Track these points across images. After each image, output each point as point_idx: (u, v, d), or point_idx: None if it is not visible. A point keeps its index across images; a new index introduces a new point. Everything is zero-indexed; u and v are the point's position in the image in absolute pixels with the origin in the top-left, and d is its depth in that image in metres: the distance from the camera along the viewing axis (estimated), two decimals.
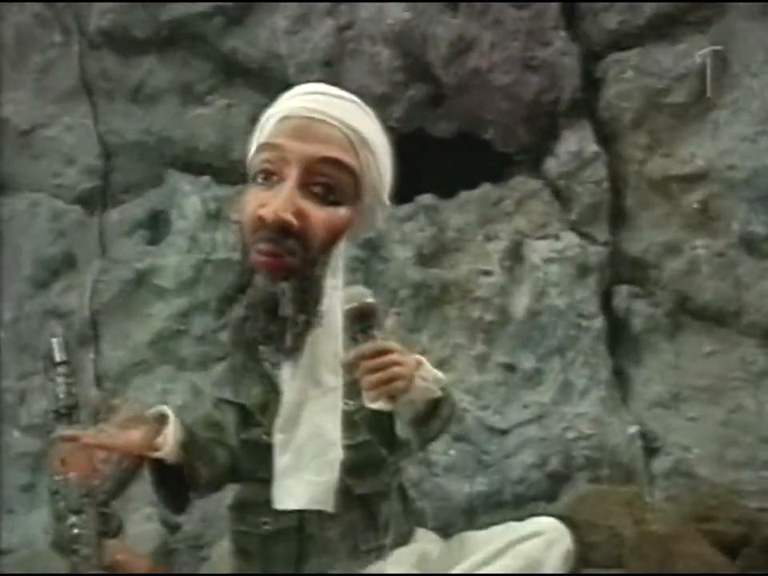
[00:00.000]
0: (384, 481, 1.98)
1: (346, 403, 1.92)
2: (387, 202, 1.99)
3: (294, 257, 1.84)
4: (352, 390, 1.87)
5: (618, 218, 3.75)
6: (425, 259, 3.76)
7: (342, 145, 1.88)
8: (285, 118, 1.90)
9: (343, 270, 1.91)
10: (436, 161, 3.72)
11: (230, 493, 2.07)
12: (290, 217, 1.81)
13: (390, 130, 2.06)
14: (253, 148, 1.97)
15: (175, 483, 1.88)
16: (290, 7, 3.79)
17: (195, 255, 3.82)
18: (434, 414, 1.84)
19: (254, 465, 1.94)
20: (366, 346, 1.69)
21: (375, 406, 1.71)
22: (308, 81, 3.62)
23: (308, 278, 1.86)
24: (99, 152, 3.99)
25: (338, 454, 1.87)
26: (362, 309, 1.70)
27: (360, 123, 1.92)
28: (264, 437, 1.92)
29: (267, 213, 1.82)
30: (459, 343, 3.73)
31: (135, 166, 3.99)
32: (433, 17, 3.72)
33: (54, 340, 1.97)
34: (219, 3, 3.77)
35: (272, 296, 1.85)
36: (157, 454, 1.81)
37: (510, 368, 3.70)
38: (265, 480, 1.90)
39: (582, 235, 3.75)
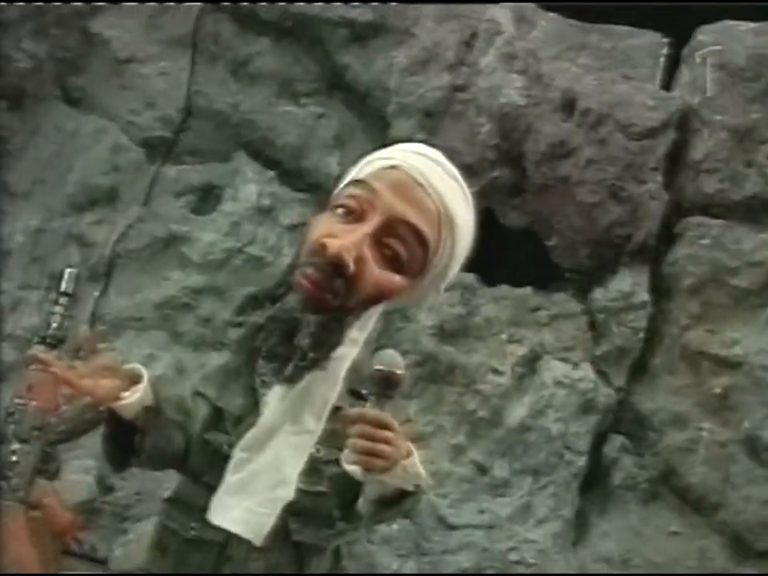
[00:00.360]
0: (324, 536, 1.93)
1: (317, 449, 1.89)
2: (443, 290, 1.98)
3: (335, 297, 1.81)
4: (329, 438, 1.85)
5: (640, 370, 3.72)
6: (444, 334, 3.77)
7: (429, 218, 1.85)
8: (391, 168, 1.88)
9: (371, 331, 1.89)
10: (492, 245, 3.58)
11: (172, 483, 2.04)
12: (350, 260, 1.78)
13: None
14: (346, 180, 1.95)
15: (123, 441, 1.85)
16: (414, 47, 3.84)
17: (231, 241, 3.82)
18: (396, 504, 1.81)
19: (205, 467, 1.90)
20: (372, 412, 1.65)
21: (349, 468, 1.69)
22: (404, 122, 3.91)
23: (336, 321, 1.83)
24: (182, 107, 4.03)
25: (287, 493, 1.83)
26: (388, 376, 1.65)
27: (455, 206, 1.88)
28: (226, 447, 1.87)
29: (332, 245, 1.79)
30: (443, 426, 3.72)
31: (210, 134, 4.02)
32: (545, 112, 3.75)
33: (68, 270, 1.93)
34: (349, 18, 3.83)
35: (296, 321, 1.82)
36: (117, 404, 1.78)
37: (481, 469, 3.69)
38: (209, 486, 1.86)
39: (600, 373, 3.73)
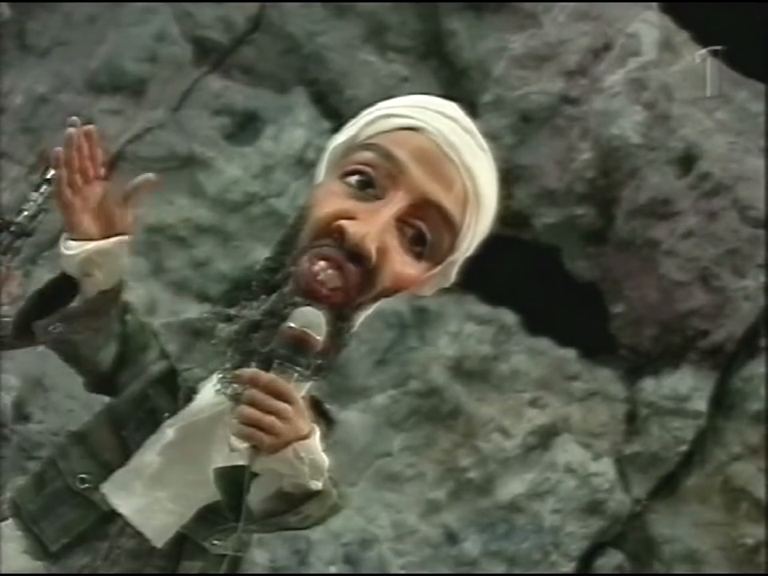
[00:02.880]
0: (214, 536, 1.76)
1: None
2: (453, 277, 1.83)
3: (348, 289, 1.66)
4: None
5: (668, 488, 3.61)
6: (460, 371, 3.67)
7: (458, 198, 1.72)
8: (414, 130, 1.73)
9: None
10: (547, 290, 3.64)
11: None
12: (373, 251, 1.65)
13: None
14: (353, 135, 1.78)
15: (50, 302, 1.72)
16: (535, 38, 3.71)
17: (257, 185, 3.73)
18: (292, 505, 1.64)
19: (130, 421, 1.75)
20: (268, 376, 1.53)
21: (233, 444, 1.56)
22: (496, 119, 3.71)
23: (345, 319, 1.69)
24: (252, 15, 3.89)
25: (207, 496, 1.68)
26: (301, 337, 1.54)
27: (486, 186, 1.76)
28: (166, 415, 1.72)
29: (356, 231, 1.64)
30: (425, 474, 3.62)
31: (273, 57, 3.92)
32: (658, 161, 3.62)
33: None
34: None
35: None
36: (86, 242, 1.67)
37: (451, 538, 3.62)
38: (124, 444, 1.73)
39: (622, 475, 3.61)
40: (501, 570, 3.53)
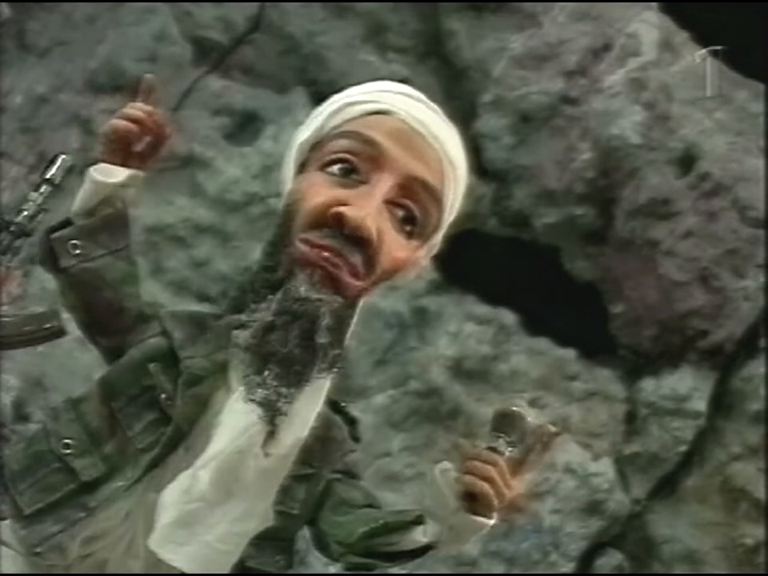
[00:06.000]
0: (281, 565, 1.77)
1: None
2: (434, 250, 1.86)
3: (355, 274, 1.67)
4: (303, 451, 1.71)
5: (668, 488, 3.59)
6: (460, 371, 3.66)
7: (437, 172, 1.75)
8: (382, 114, 1.75)
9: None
10: (546, 290, 3.60)
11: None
12: (374, 233, 1.66)
13: None
14: (319, 126, 1.78)
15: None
16: (535, 38, 3.72)
17: (257, 185, 3.69)
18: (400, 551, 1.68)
19: (123, 396, 1.70)
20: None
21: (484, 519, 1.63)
22: (495, 119, 3.71)
23: (350, 307, 1.70)
24: (251, 16, 3.90)
25: (254, 527, 1.69)
26: (509, 414, 1.64)
27: (457, 155, 1.78)
28: (163, 396, 1.69)
29: (355, 215, 1.65)
30: (424, 474, 3.56)
31: (273, 57, 3.94)
32: (657, 161, 3.64)
33: (62, 157, 1.79)
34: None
35: (314, 312, 1.66)
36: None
37: None
38: (110, 413, 1.70)
39: (621, 475, 3.59)
40: (500, 569, 3.50)
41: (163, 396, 1.71)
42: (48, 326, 1.76)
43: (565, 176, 3.65)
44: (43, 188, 1.77)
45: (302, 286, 1.67)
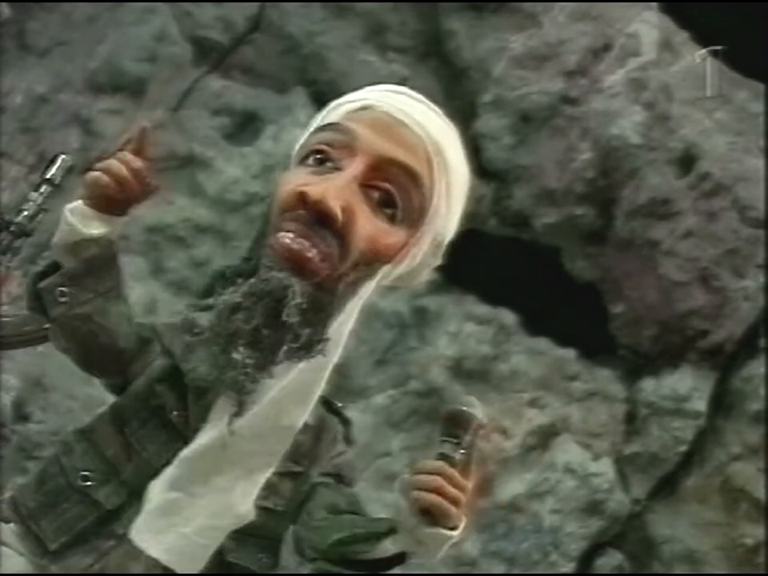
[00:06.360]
0: (263, 563, 1.75)
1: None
2: (440, 256, 1.82)
3: (324, 257, 1.66)
4: (296, 452, 1.72)
5: (668, 488, 3.60)
6: (460, 371, 3.68)
7: (420, 157, 1.73)
8: (363, 109, 1.76)
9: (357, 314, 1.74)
10: (546, 290, 3.63)
11: None
12: (337, 208, 1.64)
13: None
14: (310, 129, 1.82)
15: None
16: (535, 38, 3.72)
17: (257, 185, 3.70)
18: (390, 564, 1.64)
19: (133, 420, 1.72)
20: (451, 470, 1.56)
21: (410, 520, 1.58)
22: (495, 119, 3.71)
23: (328, 292, 1.68)
24: (251, 16, 3.94)
25: (234, 522, 1.69)
26: (455, 415, 1.59)
27: (445, 142, 1.77)
28: (174, 414, 1.70)
29: (314, 192, 1.64)
30: None
31: (273, 57, 3.95)
32: (657, 161, 3.63)
33: (62, 157, 1.80)
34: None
35: (281, 291, 1.66)
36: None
37: None
38: (127, 444, 1.71)
39: (621, 475, 3.60)
40: (500, 570, 3.51)
41: (174, 413, 1.72)
42: (48, 326, 1.72)
43: (565, 176, 3.65)
44: (43, 188, 1.77)
45: (271, 271, 1.68)
